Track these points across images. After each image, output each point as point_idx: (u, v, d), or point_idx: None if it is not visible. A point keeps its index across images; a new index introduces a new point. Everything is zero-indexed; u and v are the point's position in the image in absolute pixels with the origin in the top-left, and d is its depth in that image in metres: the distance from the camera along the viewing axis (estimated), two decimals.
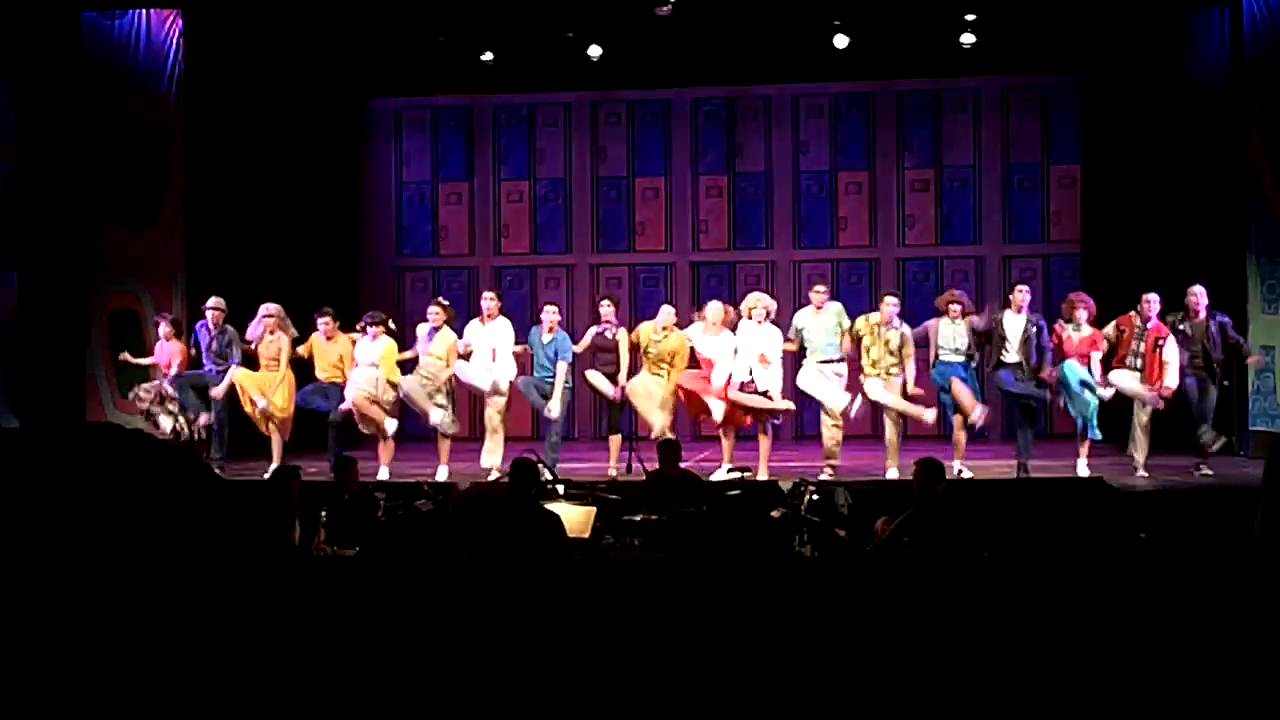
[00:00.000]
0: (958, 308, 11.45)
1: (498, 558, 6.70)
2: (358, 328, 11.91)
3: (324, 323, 11.92)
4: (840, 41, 13.97)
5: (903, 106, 15.77)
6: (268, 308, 11.99)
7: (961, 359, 11.40)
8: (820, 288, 11.69)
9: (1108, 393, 11.18)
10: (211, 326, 12.01)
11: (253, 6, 13.64)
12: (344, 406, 11.60)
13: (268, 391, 11.81)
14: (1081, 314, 11.27)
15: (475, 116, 16.33)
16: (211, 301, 12.10)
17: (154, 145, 13.42)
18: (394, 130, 16.48)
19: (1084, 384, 11.08)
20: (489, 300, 11.93)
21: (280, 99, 14.67)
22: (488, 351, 11.77)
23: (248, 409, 11.89)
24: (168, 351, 12.12)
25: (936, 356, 11.46)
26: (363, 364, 11.69)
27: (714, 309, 11.64)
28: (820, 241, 15.91)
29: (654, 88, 15.80)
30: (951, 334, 11.39)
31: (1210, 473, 11.23)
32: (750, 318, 11.43)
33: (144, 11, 13.29)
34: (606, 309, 11.91)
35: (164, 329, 12.16)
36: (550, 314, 11.82)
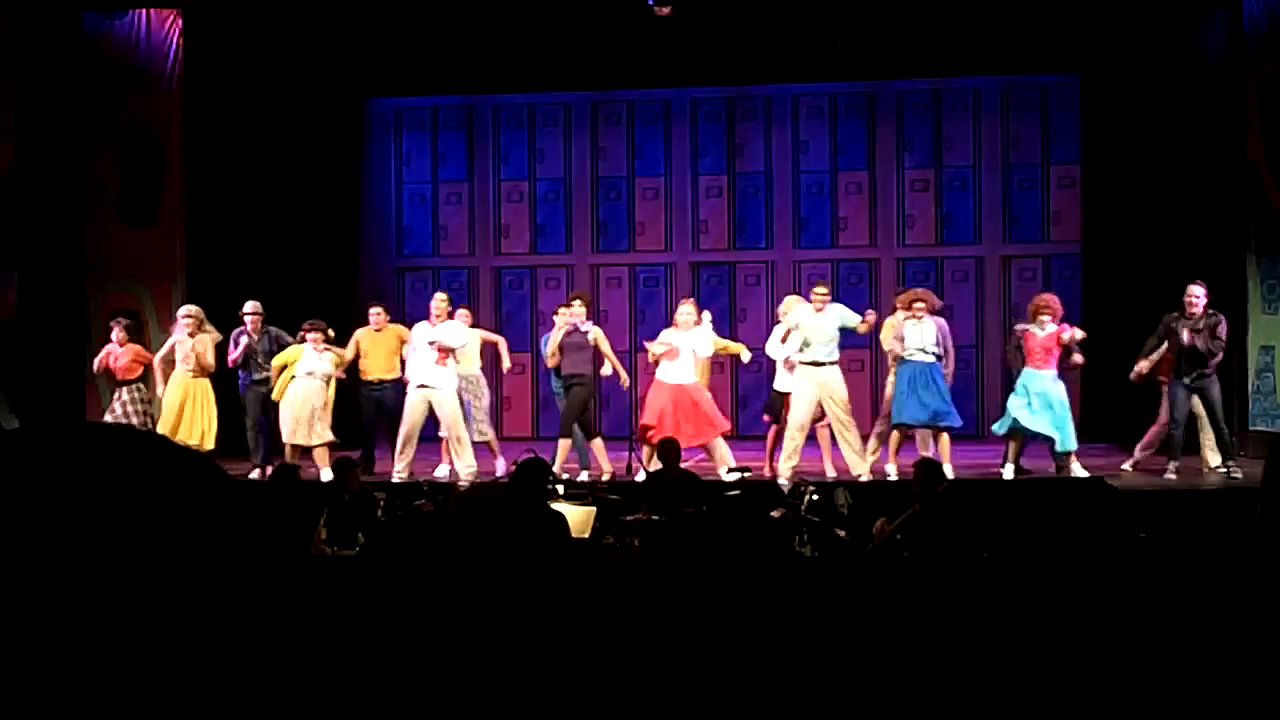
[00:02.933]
0: (922, 306, 11.49)
1: (503, 556, 6.70)
2: (299, 336, 11.76)
3: (375, 314, 12.00)
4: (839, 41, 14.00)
5: (902, 106, 15.75)
6: (188, 308, 11.89)
7: (930, 359, 11.41)
8: (822, 289, 11.69)
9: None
10: (253, 332, 11.93)
11: (252, 6, 13.65)
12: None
13: (192, 429, 11.65)
14: (1045, 317, 11.30)
15: (475, 116, 16.32)
16: (248, 307, 11.97)
17: (154, 145, 13.43)
18: (394, 130, 16.46)
19: (1040, 396, 11.09)
20: (440, 302, 11.75)
21: (280, 99, 14.68)
22: (430, 352, 11.52)
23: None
24: (115, 355, 11.89)
25: (901, 357, 11.45)
26: (301, 376, 11.57)
27: (684, 311, 11.67)
28: (820, 241, 15.90)
29: (654, 87, 15.79)
30: (918, 333, 11.41)
31: (1238, 475, 10.96)
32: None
33: (144, 11, 13.31)
34: (578, 309, 11.80)
35: (116, 334, 11.91)
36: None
